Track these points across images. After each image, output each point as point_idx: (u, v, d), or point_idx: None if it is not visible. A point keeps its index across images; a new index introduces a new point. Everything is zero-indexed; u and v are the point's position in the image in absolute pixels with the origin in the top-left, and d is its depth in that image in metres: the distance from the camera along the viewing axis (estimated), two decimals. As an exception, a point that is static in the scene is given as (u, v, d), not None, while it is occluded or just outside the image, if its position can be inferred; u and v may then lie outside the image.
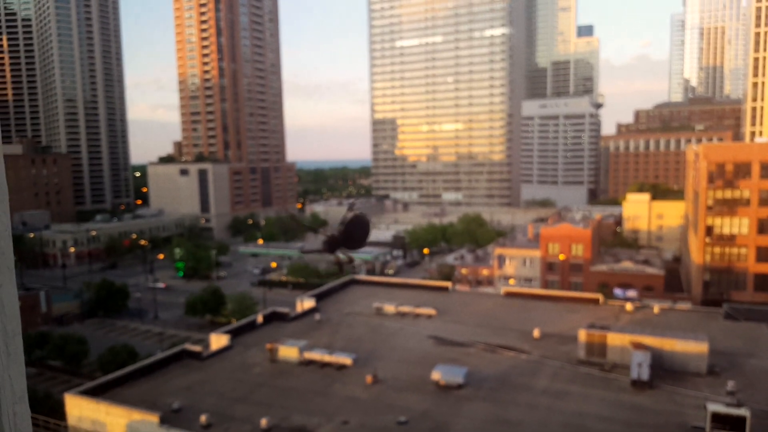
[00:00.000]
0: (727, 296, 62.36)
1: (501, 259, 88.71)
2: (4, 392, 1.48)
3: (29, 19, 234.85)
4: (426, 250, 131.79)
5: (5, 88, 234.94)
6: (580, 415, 31.82)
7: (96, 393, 35.35)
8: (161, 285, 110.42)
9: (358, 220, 4.09)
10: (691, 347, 37.27)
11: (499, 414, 32.12)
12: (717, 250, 64.29)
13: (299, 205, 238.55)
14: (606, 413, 31.91)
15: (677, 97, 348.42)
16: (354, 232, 4.02)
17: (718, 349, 39.52)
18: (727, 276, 64.46)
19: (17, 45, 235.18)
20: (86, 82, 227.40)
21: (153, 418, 30.90)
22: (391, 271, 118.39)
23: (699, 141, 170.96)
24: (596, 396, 34.18)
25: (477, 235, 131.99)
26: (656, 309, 50.94)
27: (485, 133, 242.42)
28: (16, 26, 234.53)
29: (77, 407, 34.53)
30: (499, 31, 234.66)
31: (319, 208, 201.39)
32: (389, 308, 51.73)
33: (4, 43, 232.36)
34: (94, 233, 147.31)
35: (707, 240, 65.05)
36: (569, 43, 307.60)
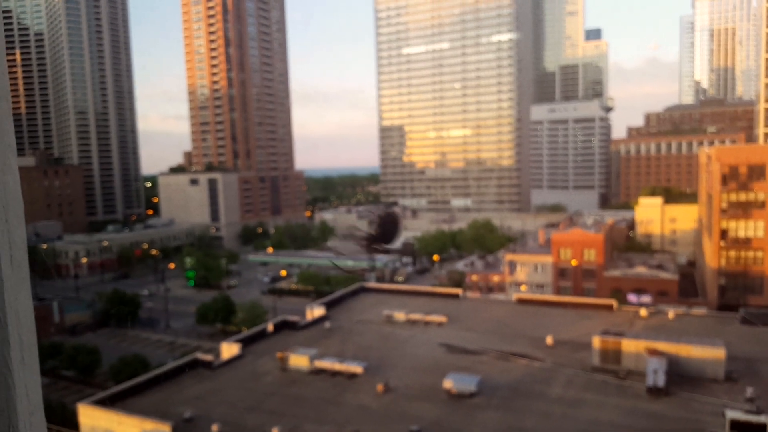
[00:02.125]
0: (743, 301, 61.35)
1: (512, 266, 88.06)
2: (21, 402, 1.50)
3: (41, 34, 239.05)
4: (436, 257, 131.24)
5: (18, 101, 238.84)
6: (595, 423, 31.33)
7: (108, 403, 35.46)
8: (145, 293, 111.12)
9: (390, 217, 4.28)
10: (708, 353, 36.61)
11: (513, 422, 31.68)
12: (732, 253, 63.35)
13: (308, 213, 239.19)
14: (622, 421, 31.40)
15: (688, 99, 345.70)
16: (387, 229, 4.22)
17: (736, 355, 38.80)
18: (743, 280, 63.44)
19: (30, 59, 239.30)
20: (97, 94, 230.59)
21: (165, 428, 30.93)
22: (400, 279, 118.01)
23: (711, 143, 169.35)
24: (611, 403, 33.65)
25: (487, 241, 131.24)
26: (671, 314, 50.16)
27: (494, 139, 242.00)
28: (28, 40, 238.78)
29: (90, 417, 34.56)
30: (506, 37, 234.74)
31: (328, 215, 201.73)
32: (399, 316, 51.43)
33: (17, 57, 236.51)
34: (106, 243, 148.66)
35: (722, 244, 64.14)
36: (577, 47, 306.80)
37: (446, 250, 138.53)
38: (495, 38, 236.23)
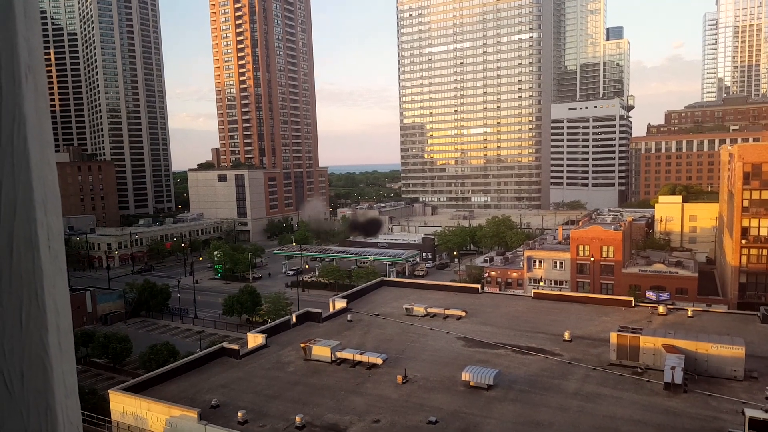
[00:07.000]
0: (764, 299, 60.52)
1: (530, 262, 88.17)
2: (58, 385, 1.54)
3: (75, 34, 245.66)
4: (455, 253, 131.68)
5: (53, 99, 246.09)
6: (611, 418, 31.43)
7: (138, 389, 36.30)
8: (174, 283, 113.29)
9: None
10: (727, 351, 36.22)
11: (530, 415, 32.03)
12: (754, 252, 62.51)
13: (330, 209, 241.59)
14: (638, 416, 31.38)
15: (711, 97, 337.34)
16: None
17: (756, 354, 38.38)
18: (764, 278, 62.51)
19: (63, 58, 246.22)
20: (129, 93, 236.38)
21: (192, 414, 31.58)
22: (420, 273, 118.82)
23: (734, 141, 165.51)
24: (628, 399, 33.67)
25: (506, 238, 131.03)
26: (690, 312, 49.70)
27: (514, 137, 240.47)
28: (62, 40, 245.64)
29: (120, 403, 35.37)
30: (527, 35, 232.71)
31: (349, 211, 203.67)
32: (419, 309, 51.97)
33: (52, 56, 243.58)
34: (137, 236, 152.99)
35: (743, 242, 63.33)
36: (598, 46, 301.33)
37: (465, 246, 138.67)
38: (516, 37, 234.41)
